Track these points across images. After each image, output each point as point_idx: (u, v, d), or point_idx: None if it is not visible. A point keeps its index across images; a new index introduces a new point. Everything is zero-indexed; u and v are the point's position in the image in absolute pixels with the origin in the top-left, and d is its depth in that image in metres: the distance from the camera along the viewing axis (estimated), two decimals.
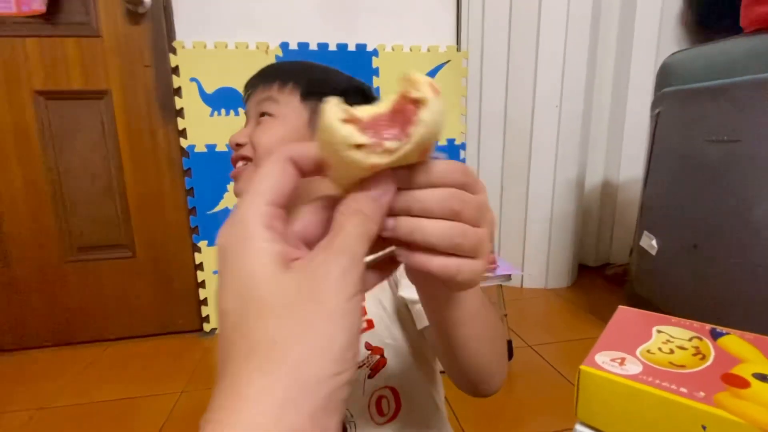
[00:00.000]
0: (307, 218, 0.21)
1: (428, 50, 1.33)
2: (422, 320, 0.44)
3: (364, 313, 0.47)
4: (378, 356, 0.46)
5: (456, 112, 1.38)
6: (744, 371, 0.27)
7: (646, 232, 1.05)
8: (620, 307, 0.38)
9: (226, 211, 1.30)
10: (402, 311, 0.47)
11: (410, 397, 0.47)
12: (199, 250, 1.30)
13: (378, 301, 0.47)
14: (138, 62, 1.20)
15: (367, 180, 0.19)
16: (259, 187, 0.19)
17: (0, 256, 1.22)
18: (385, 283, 0.47)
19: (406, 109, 0.18)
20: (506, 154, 1.59)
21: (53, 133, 1.20)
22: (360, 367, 0.45)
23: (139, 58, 1.20)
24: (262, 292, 0.17)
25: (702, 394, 0.25)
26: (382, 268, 0.23)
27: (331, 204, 0.20)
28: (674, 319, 0.35)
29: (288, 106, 0.48)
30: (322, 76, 0.51)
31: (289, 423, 0.15)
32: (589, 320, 1.34)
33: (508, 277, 1.05)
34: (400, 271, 0.25)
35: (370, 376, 0.46)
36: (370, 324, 0.47)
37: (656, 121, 1.03)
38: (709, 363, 0.28)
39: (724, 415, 0.23)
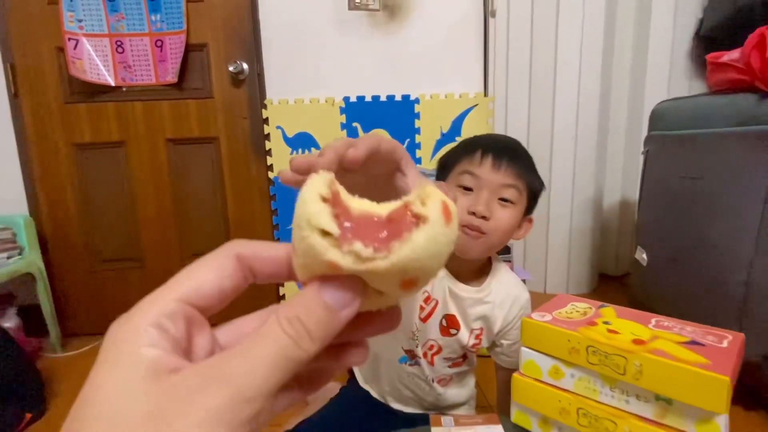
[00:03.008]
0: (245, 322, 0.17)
1: (460, 96, 1.64)
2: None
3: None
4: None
5: None
6: (599, 320, 0.55)
7: (639, 247, 1.29)
8: (560, 294, 0.67)
9: None
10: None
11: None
12: None
13: (487, 336, 0.74)
14: (238, 115, 1.60)
15: (329, 280, 0.15)
16: (178, 278, 0.16)
17: (139, 260, 1.65)
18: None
19: (404, 221, 0.15)
20: None
21: (178, 169, 1.61)
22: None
23: (239, 113, 1.59)
24: (107, 397, 0.14)
25: (572, 327, 0.53)
26: (306, 385, 0.19)
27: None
28: (584, 299, 0.63)
29: (520, 198, 0.64)
30: (539, 181, 0.68)
31: None
32: None
33: (523, 281, 1.32)
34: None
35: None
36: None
37: (646, 157, 1.28)
38: (586, 317, 0.57)
39: (576, 334, 0.52)
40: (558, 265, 1.85)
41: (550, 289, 1.88)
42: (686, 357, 0.45)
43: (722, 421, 0.43)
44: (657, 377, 0.45)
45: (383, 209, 0.16)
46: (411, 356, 0.76)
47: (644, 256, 1.26)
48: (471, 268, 0.72)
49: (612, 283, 1.99)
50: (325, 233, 0.15)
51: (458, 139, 1.66)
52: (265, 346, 0.15)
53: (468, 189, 0.64)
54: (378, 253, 0.15)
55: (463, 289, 0.71)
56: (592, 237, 1.85)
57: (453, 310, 0.71)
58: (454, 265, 0.71)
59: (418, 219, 0.15)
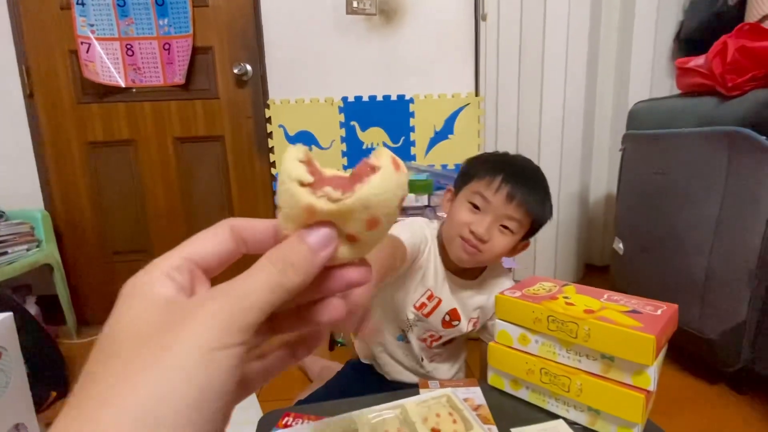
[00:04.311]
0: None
1: (452, 96, 1.73)
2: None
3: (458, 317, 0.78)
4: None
5: (474, 144, 1.77)
6: (560, 296, 0.65)
7: (617, 238, 1.39)
8: (533, 275, 0.77)
9: None
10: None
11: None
12: None
13: (484, 318, 0.82)
14: (243, 115, 1.68)
15: (309, 227, 0.19)
16: (183, 244, 0.19)
17: (149, 252, 1.74)
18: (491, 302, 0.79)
19: (363, 171, 0.19)
20: None
21: (185, 166, 1.70)
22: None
23: (243, 112, 1.68)
24: (135, 314, 0.16)
25: (536, 301, 0.63)
26: (295, 349, 0.21)
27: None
28: (552, 279, 0.73)
29: (521, 228, 0.69)
30: (547, 215, 0.72)
31: None
32: None
33: (510, 270, 1.42)
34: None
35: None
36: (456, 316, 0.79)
37: (623, 154, 1.38)
38: (549, 293, 0.66)
39: (539, 306, 0.62)
40: (545, 256, 1.96)
41: None
42: (624, 322, 0.55)
43: (651, 372, 0.53)
44: (601, 339, 0.55)
45: (347, 173, 0.20)
46: (405, 336, 0.87)
47: (621, 245, 1.36)
48: (469, 268, 0.80)
49: (597, 272, 2.09)
50: (303, 184, 0.18)
51: (451, 138, 1.76)
52: (258, 275, 0.18)
53: (476, 207, 0.69)
54: (345, 193, 0.18)
55: (463, 285, 0.80)
56: (578, 229, 1.95)
57: (455, 305, 0.80)
58: (455, 265, 0.79)
59: (374, 168, 0.19)
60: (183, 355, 0.15)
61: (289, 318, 0.21)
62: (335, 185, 0.18)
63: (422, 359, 0.86)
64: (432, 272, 0.79)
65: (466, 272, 0.80)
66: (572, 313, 0.58)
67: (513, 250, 0.77)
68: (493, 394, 0.68)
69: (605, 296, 0.64)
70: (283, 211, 0.19)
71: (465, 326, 0.81)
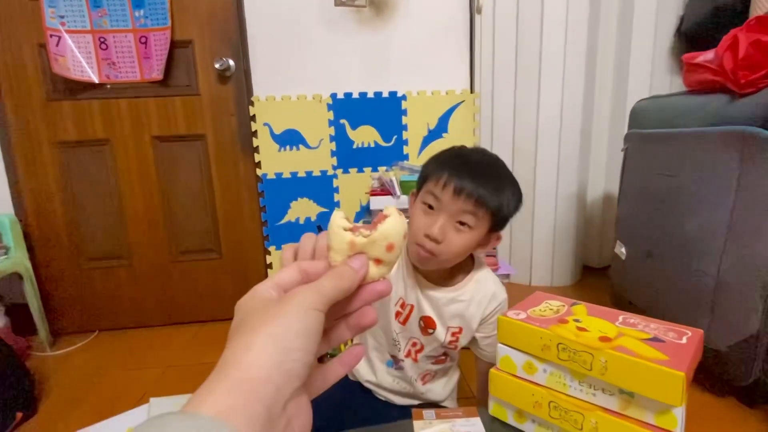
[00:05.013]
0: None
1: (446, 93, 1.65)
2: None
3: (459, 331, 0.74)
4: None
5: (469, 143, 1.69)
6: (570, 318, 0.58)
7: (618, 241, 1.33)
8: (536, 292, 0.70)
9: (289, 223, 1.67)
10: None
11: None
12: (269, 253, 1.68)
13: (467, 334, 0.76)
14: (225, 113, 1.59)
15: (350, 257, 0.31)
16: (273, 275, 0.30)
17: (126, 258, 1.65)
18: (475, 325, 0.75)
19: (380, 218, 0.31)
20: (514, 174, 1.88)
21: (165, 167, 1.61)
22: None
23: (226, 110, 1.59)
24: (255, 304, 0.27)
25: (544, 325, 0.56)
26: (330, 337, 0.32)
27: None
28: (559, 297, 0.66)
29: (481, 221, 0.65)
30: (507, 203, 0.67)
31: (267, 356, 0.23)
32: None
33: (507, 276, 1.35)
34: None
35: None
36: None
37: (625, 154, 1.31)
38: (558, 315, 0.60)
39: (547, 332, 0.55)
40: (543, 257, 1.90)
41: (535, 281, 1.93)
42: (647, 353, 0.48)
43: (679, 413, 0.46)
44: (620, 372, 0.48)
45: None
46: (395, 361, 0.80)
47: (623, 249, 1.30)
48: (442, 274, 0.75)
49: (595, 275, 2.04)
50: (345, 229, 0.31)
51: (445, 136, 1.68)
52: (325, 280, 0.28)
53: (431, 207, 0.66)
54: (372, 231, 0.31)
55: (436, 290, 0.74)
56: (576, 230, 1.90)
57: (428, 312, 0.75)
58: (427, 270, 0.75)
59: (386, 216, 0.31)
60: (295, 308, 0.25)
61: (342, 326, 0.32)
62: (365, 228, 0.31)
63: (415, 380, 0.80)
64: (401, 279, 0.75)
65: (442, 279, 0.75)
66: (586, 342, 0.51)
67: (481, 245, 0.71)
68: (495, 426, 0.61)
69: (620, 319, 0.57)
70: (332, 249, 0.31)
71: (443, 335, 0.76)
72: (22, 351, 1.46)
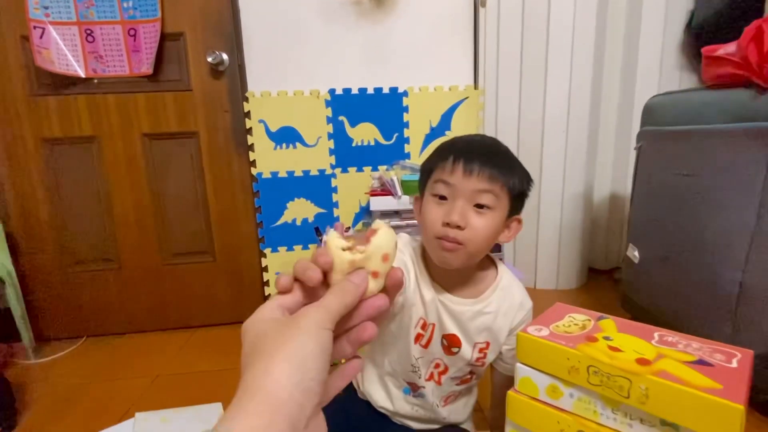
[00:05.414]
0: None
1: (449, 89, 1.59)
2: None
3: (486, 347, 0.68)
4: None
5: None
6: (599, 335, 0.52)
7: (630, 244, 1.27)
8: (557, 303, 0.64)
9: (285, 225, 1.60)
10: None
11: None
12: (264, 255, 1.61)
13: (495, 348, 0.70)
14: (219, 109, 1.52)
15: (350, 273, 0.32)
16: (274, 296, 0.32)
17: (115, 261, 1.58)
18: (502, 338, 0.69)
19: (372, 233, 0.34)
20: None
21: (155, 165, 1.54)
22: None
23: (219, 106, 1.52)
24: (265, 327, 0.28)
25: (571, 344, 0.50)
26: (332, 352, 0.32)
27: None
28: (582, 309, 0.60)
29: (500, 201, 0.60)
30: (521, 179, 0.63)
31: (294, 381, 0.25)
32: None
33: None
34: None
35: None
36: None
37: (638, 153, 1.25)
38: (585, 331, 0.53)
39: (575, 352, 0.48)
40: (548, 259, 1.83)
41: (540, 284, 1.86)
42: (695, 380, 0.41)
43: None
44: (664, 402, 0.42)
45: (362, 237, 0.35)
46: (413, 388, 0.74)
47: (636, 253, 1.24)
48: (464, 280, 0.68)
49: (601, 277, 1.98)
50: (344, 249, 0.33)
51: (448, 134, 1.62)
52: (331, 297, 0.30)
53: (443, 198, 0.61)
54: (366, 246, 0.33)
55: (459, 303, 0.67)
56: (582, 231, 1.83)
57: (452, 329, 0.68)
58: (446, 278, 0.68)
59: (376, 230, 0.35)
60: (306, 330, 0.27)
61: (342, 341, 0.33)
62: (359, 242, 0.34)
63: (437, 405, 0.73)
64: (419, 298, 0.68)
65: (465, 289, 0.68)
66: (622, 365, 0.45)
67: (505, 233, 0.65)
68: None
69: (656, 336, 0.51)
70: (336, 269, 0.33)
71: (470, 353, 0.69)
72: (4, 359, 1.39)
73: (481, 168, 0.59)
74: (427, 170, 0.65)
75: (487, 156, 0.60)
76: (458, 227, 0.58)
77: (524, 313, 0.70)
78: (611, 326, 0.54)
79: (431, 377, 0.72)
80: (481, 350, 0.69)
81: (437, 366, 0.71)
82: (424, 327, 0.68)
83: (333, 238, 0.33)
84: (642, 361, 0.45)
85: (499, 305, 0.68)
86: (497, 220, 0.61)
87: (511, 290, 0.70)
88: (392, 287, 0.35)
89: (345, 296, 0.30)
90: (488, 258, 0.72)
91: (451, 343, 0.68)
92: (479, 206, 0.60)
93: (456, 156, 0.60)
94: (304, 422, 0.25)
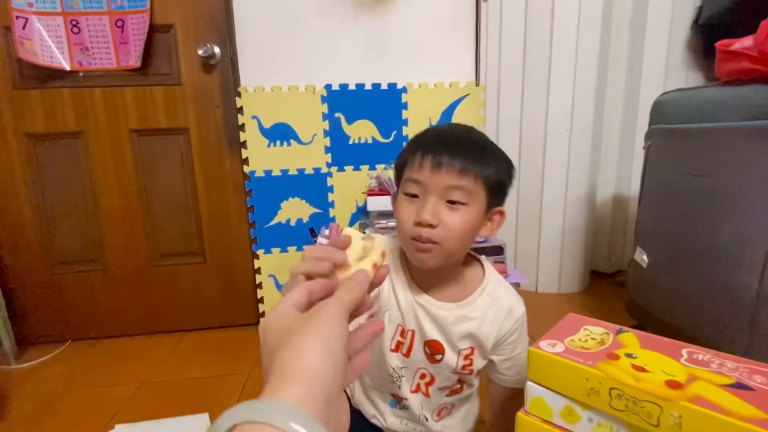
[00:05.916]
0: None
1: (450, 86, 1.54)
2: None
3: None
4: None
5: None
6: (621, 352, 0.47)
7: (638, 248, 1.22)
8: (570, 314, 0.58)
9: (279, 225, 1.55)
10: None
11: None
12: (257, 257, 1.55)
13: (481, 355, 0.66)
14: (210, 104, 1.46)
15: (355, 273, 0.37)
16: (287, 293, 0.34)
17: (101, 261, 1.52)
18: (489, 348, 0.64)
19: (369, 240, 0.41)
20: (521, 173, 1.76)
21: (143, 163, 1.48)
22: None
23: (211, 101, 1.46)
24: (287, 321, 0.31)
25: (590, 362, 0.45)
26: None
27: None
28: (598, 321, 0.54)
29: (475, 195, 0.56)
30: (497, 169, 0.57)
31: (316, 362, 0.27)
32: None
33: (517, 285, 1.24)
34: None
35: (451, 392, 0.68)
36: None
37: (647, 152, 1.20)
38: (604, 347, 0.48)
39: (595, 372, 0.43)
40: (550, 262, 1.78)
41: (541, 288, 1.81)
42: (736, 408, 0.36)
43: None
44: None
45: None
46: (397, 400, 0.69)
47: (644, 257, 1.19)
48: (445, 280, 0.63)
49: (604, 280, 1.93)
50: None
51: None
52: (342, 292, 0.34)
53: (415, 196, 0.57)
54: (373, 238, 0.42)
55: (441, 307, 0.62)
56: (585, 233, 1.78)
57: (433, 335, 0.63)
58: (426, 279, 0.62)
59: (373, 238, 0.42)
60: (328, 318, 0.30)
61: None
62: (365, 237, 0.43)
63: (427, 419, 0.68)
64: (394, 302, 0.63)
65: (447, 292, 0.63)
66: (651, 389, 0.39)
67: (487, 226, 0.60)
68: None
69: (684, 353, 0.46)
70: (349, 252, 0.40)
71: (455, 360, 0.64)
72: None
73: (451, 161, 0.54)
74: (400, 166, 0.61)
75: (457, 147, 0.55)
76: (431, 226, 0.55)
77: (513, 320, 0.64)
78: (633, 341, 0.49)
79: (418, 389, 0.67)
80: (466, 357, 0.64)
81: (423, 377, 0.66)
82: (402, 334, 0.64)
83: (353, 230, 0.42)
84: (673, 384, 0.40)
85: (485, 311, 0.63)
86: (473, 214, 0.57)
87: (500, 295, 0.64)
88: (378, 281, 0.40)
89: (353, 292, 0.34)
90: (473, 257, 0.67)
91: (434, 350, 0.64)
92: (452, 202, 0.55)
93: (424, 150, 0.56)
94: (335, 395, 0.27)
